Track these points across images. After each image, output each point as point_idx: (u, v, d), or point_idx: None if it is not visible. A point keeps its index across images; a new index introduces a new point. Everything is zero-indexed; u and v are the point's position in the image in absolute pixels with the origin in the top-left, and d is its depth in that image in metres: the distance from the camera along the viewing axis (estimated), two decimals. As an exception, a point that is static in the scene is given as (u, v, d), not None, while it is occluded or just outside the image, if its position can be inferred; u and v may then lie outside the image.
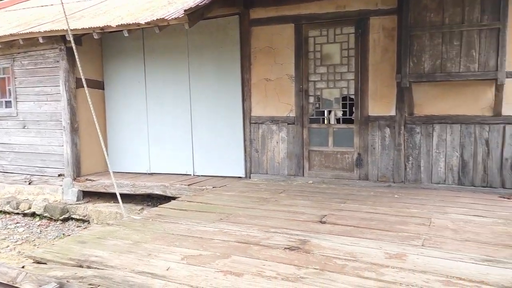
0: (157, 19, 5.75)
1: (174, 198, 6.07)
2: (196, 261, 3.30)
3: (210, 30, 7.17)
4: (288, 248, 3.56)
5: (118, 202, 5.19)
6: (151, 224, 4.42)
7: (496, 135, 5.58)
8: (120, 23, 6.13)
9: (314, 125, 6.66)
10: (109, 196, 7.20)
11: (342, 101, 6.47)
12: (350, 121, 6.43)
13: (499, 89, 5.20)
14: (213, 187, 6.37)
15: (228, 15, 7.03)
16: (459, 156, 5.79)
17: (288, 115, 6.78)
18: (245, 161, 7.09)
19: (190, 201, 5.53)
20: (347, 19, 6.26)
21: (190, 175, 7.52)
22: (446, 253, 3.42)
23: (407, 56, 5.42)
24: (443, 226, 4.18)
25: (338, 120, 6.50)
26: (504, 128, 5.53)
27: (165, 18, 5.66)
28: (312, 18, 6.47)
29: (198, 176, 7.45)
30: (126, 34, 6.18)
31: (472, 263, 3.19)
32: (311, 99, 6.65)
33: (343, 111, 6.50)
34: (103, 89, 8.10)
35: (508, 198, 5.34)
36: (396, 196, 5.55)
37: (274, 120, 6.89)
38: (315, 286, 2.80)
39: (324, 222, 4.36)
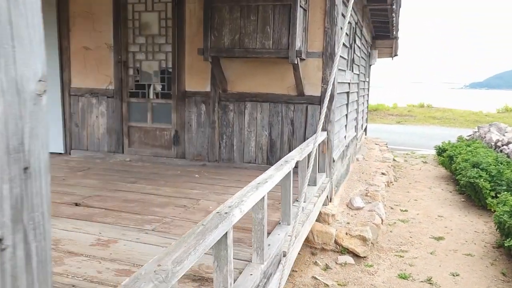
0: None
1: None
2: None
3: (25, -11, 6.40)
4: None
5: None
6: None
7: (300, 115, 5.56)
8: None
9: (134, 100, 6.26)
10: None
11: (161, 74, 6.12)
12: (169, 96, 6.11)
13: (295, 68, 5.13)
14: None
15: (44, -27, 6.28)
16: (267, 135, 5.72)
17: (107, 88, 6.31)
18: (65, 136, 6.55)
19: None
20: (165, -14, 5.84)
21: (9, 150, 6.82)
22: (164, 238, 3.24)
23: (208, 30, 5.15)
24: (203, 209, 4.02)
25: (157, 95, 6.15)
26: (306, 108, 5.52)
27: None
28: (130, -18, 5.97)
29: (18, 151, 6.77)
30: None
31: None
32: (131, 71, 6.23)
33: (162, 85, 6.15)
34: None
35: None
36: (196, 175, 5.37)
37: (93, 93, 6.38)
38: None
39: (78, 205, 4.02)
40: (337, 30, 5.25)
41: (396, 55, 14.12)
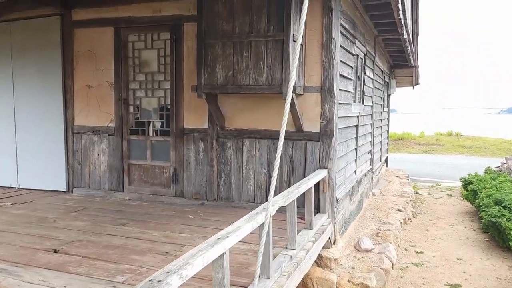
0: None
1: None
2: None
3: (32, 31, 6.57)
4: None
5: None
6: None
7: (299, 152, 5.30)
8: None
9: (133, 137, 6.19)
10: None
11: (160, 111, 6.04)
12: (167, 134, 6.00)
13: (291, 103, 4.92)
14: (12, 204, 5.76)
15: (50, 15, 6.44)
16: (266, 173, 5.48)
17: (108, 125, 6.27)
18: (67, 174, 6.52)
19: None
20: (163, 24, 5.83)
21: (15, 187, 6.87)
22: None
23: (202, 66, 5.04)
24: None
25: (157, 132, 6.06)
26: (305, 144, 5.27)
27: None
28: (131, 21, 6.00)
29: (23, 189, 6.80)
30: None
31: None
32: (131, 109, 6.18)
33: (161, 122, 6.06)
34: None
35: (302, 219, 5.06)
36: (190, 216, 5.16)
37: (95, 131, 6.36)
38: None
39: (57, 251, 3.86)
40: (334, 64, 5.04)
41: (417, 83, 13.71)
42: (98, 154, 6.36)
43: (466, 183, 10.03)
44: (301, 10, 3.53)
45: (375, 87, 9.20)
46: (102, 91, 6.27)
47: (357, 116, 6.93)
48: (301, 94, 5.19)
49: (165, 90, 5.95)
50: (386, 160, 12.89)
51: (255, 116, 5.48)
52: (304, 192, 4.42)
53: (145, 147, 6.12)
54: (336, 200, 5.36)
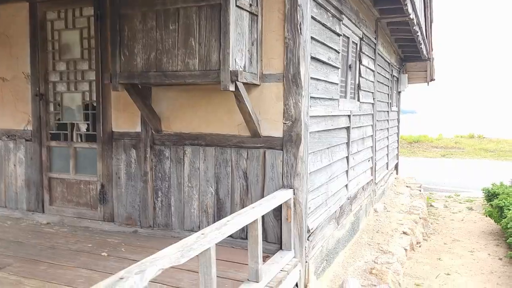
0: None
1: None
2: None
3: None
4: None
5: None
6: None
7: (256, 164, 3.85)
8: None
9: (54, 143, 4.83)
10: None
11: (85, 110, 4.67)
12: (94, 139, 4.62)
13: (238, 97, 3.47)
14: None
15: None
16: (214, 192, 4.04)
17: (25, 128, 4.94)
18: (-20, 189, 5.20)
19: None
20: (86, -4, 4.47)
21: None
22: None
23: (117, 47, 3.64)
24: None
25: (81, 137, 4.70)
26: (264, 154, 3.81)
27: None
28: (49, -6, 4.66)
29: None
30: None
31: None
32: (51, 107, 4.83)
33: (87, 124, 4.69)
34: None
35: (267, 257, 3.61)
36: (104, 254, 3.75)
37: (11, 135, 5.03)
38: None
39: None
40: (302, 42, 3.57)
41: (432, 79, 12.05)
42: (15, 165, 5.03)
43: (490, 195, 8.40)
44: None
45: (379, 82, 7.66)
46: (17, 85, 4.94)
47: (348, 116, 5.42)
48: (257, 85, 3.74)
49: (90, 82, 4.58)
50: (396, 167, 11.29)
51: (199, 116, 4.05)
52: (252, 225, 2.98)
53: (68, 156, 4.76)
54: (309, 230, 3.89)
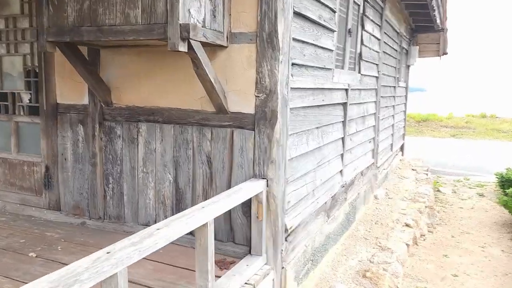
0: None
1: None
2: None
3: None
4: None
5: None
6: None
7: (221, 147, 3.08)
8: None
9: (-6, 116, 4.09)
10: None
11: (27, 77, 3.90)
12: (37, 112, 3.87)
13: (196, 62, 2.68)
14: None
15: None
16: (172, 180, 3.30)
17: (-38, 98, 4.19)
18: None
19: None
20: None
21: None
22: None
23: (44, -5, 2.85)
24: None
25: (24, 109, 3.96)
26: (232, 135, 3.04)
27: None
28: None
29: None
30: None
31: None
32: (-10, 73, 4.07)
33: (29, 94, 3.93)
34: None
35: (222, 266, 2.89)
36: (32, 254, 3.06)
37: None
38: None
39: None
40: (279, -11, 2.74)
41: (445, 53, 11.04)
42: (-48, 141, 4.31)
43: (504, 181, 7.58)
44: None
45: (385, 53, 6.78)
46: (-48, 47, 4.16)
47: (346, 90, 4.61)
48: (223, 47, 2.94)
49: (31, 43, 3.80)
50: (401, 148, 10.46)
51: (155, 87, 3.27)
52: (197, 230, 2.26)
53: (9, 132, 4.02)
54: (287, 230, 3.15)
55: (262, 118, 2.89)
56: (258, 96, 2.88)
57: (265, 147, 2.91)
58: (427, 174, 8.66)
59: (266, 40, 2.82)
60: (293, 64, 3.07)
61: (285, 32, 2.85)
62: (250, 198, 2.89)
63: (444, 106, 29.68)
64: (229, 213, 3.05)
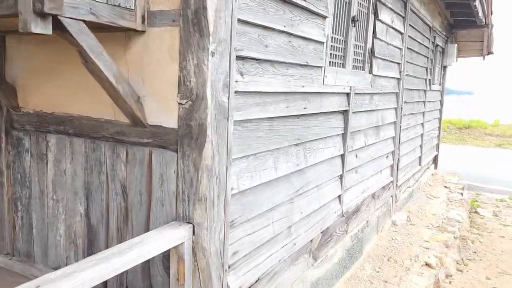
0: None
1: None
2: None
3: None
4: None
5: None
6: None
7: (139, 174, 2.20)
8: None
9: None
10: None
11: None
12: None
13: (82, 52, 1.82)
14: None
15: None
16: (83, 214, 2.45)
17: None
18: None
19: None
20: None
21: None
22: None
23: None
24: None
25: None
26: (150, 157, 2.14)
27: None
28: None
29: None
30: None
31: None
32: None
33: None
34: None
35: None
36: None
37: None
38: None
39: None
40: None
41: (490, 53, 9.64)
42: None
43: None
44: None
45: (411, 50, 5.66)
46: None
47: (347, 94, 3.61)
48: (141, 32, 2.05)
49: None
50: (434, 160, 9.19)
51: (64, 87, 2.44)
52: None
53: None
54: (230, 292, 2.22)
55: (187, 136, 1.98)
56: (181, 104, 1.98)
57: (191, 178, 1.99)
58: (462, 194, 7.41)
59: (192, 21, 1.91)
60: (243, 57, 2.14)
61: (222, 10, 1.92)
62: (169, 250, 1.99)
63: (491, 111, 27.48)
64: (148, 266, 2.17)
